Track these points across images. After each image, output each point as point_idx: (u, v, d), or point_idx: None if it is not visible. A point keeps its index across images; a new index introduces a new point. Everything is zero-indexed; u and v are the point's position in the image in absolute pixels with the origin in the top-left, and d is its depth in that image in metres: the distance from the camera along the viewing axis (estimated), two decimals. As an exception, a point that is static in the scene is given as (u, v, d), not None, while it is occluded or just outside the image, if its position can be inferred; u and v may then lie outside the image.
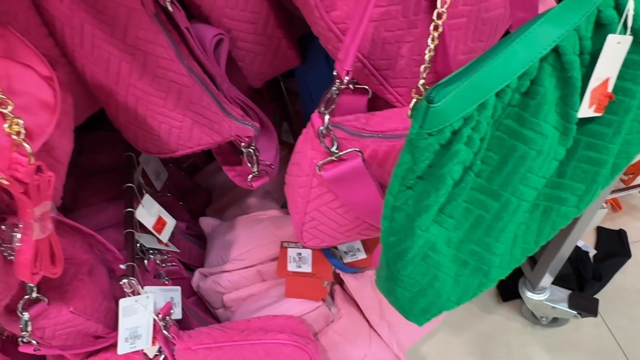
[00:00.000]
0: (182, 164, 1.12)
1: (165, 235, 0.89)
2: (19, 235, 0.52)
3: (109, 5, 0.56)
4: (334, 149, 0.55)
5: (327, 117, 0.53)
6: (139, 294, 0.73)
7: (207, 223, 1.01)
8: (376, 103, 0.63)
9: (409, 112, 0.47)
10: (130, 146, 0.92)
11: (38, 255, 0.48)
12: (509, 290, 1.54)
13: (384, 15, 0.53)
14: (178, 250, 0.91)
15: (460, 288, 0.53)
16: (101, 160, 1.02)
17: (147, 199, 0.87)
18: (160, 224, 0.89)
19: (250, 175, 0.72)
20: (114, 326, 0.75)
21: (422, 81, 0.46)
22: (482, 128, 0.46)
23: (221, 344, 0.75)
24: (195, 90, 0.62)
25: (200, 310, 0.94)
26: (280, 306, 0.83)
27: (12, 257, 0.54)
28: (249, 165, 0.71)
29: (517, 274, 1.49)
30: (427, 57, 0.45)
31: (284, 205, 1.05)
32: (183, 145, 0.70)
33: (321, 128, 0.54)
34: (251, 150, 0.69)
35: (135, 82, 0.62)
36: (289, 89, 1.00)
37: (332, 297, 0.85)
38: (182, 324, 0.83)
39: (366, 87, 0.60)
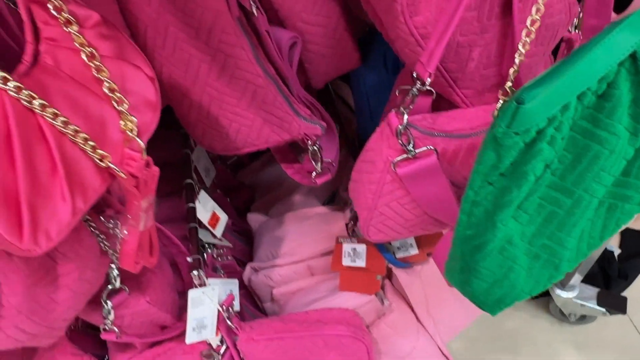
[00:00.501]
0: (227, 161, 1.15)
1: (219, 231, 0.92)
2: (117, 228, 0.55)
3: (195, 9, 0.59)
4: (410, 147, 0.58)
5: (406, 116, 0.56)
6: (204, 285, 0.76)
7: (254, 219, 1.04)
8: (439, 104, 0.66)
9: (495, 112, 0.50)
10: (180, 143, 0.96)
11: (140, 245, 0.51)
12: (536, 288, 1.55)
13: (461, 21, 0.56)
14: (231, 245, 0.94)
15: (532, 280, 0.56)
16: (153, 156, 1.05)
17: (202, 195, 0.90)
18: (214, 219, 0.92)
19: (314, 173, 0.74)
20: (178, 317, 0.78)
21: (509, 83, 0.49)
22: (563, 128, 0.49)
23: (282, 335, 0.78)
24: (269, 91, 0.65)
25: (250, 304, 0.97)
26: (333, 300, 0.86)
27: (107, 249, 0.57)
28: (313, 162, 0.74)
29: (547, 272, 1.50)
30: (517, 60, 0.48)
31: (325, 203, 1.08)
32: (250, 143, 0.73)
33: (400, 127, 0.57)
34: (316, 149, 0.72)
35: (213, 82, 0.65)
36: (336, 93, 1.03)
37: (383, 291, 0.88)
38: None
39: (431, 88, 0.63)
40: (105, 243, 0.56)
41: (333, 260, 0.86)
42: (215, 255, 0.90)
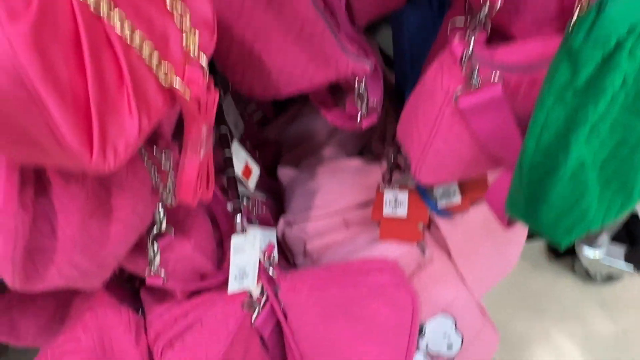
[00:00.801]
0: (252, 116, 1.12)
1: (252, 183, 0.89)
2: (170, 161, 0.52)
3: None
4: (474, 77, 0.55)
5: (472, 43, 0.53)
6: (246, 232, 0.74)
7: (285, 173, 1.01)
8: (490, 41, 0.63)
9: (570, 25, 0.47)
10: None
11: (199, 175, 0.48)
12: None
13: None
14: (264, 199, 0.91)
15: (604, 207, 0.54)
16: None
17: (235, 145, 0.87)
18: (247, 171, 0.89)
19: (359, 115, 0.72)
20: (217, 267, 0.76)
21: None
22: (642, 41, 0.46)
23: (325, 284, 0.76)
24: (317, 26, 0.62)
25: (282, 260, 0.95)
26: (371, 251, 0.84)
27: (158, 184, 0.55)
28: (358, 104, 0.71)
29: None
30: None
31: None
32: (294, 83, 0.70)
33: (465, 53, 0.54)
34: (363, 88, 0.69)
35: (259, 16, 0.62)
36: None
37: (424, 241, 0.86)
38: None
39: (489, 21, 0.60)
40: (157, 177, 0.53)
41: (373, 209, 0.84)
42: (250, 207, 0.87)
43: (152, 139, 0.52)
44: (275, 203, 1.06)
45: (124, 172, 0.49)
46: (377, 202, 0.83)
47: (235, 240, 0.72)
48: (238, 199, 0.74)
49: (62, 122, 0.34)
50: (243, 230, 0.73)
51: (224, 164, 0.80)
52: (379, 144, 0.98)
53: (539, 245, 1.49)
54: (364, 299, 0.76)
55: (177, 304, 0.74)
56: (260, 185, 1.07)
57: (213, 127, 0.49)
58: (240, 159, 0.88)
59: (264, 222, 0.90)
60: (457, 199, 0.80)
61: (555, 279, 1.49)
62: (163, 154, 0.52)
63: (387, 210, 0.82)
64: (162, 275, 0.63)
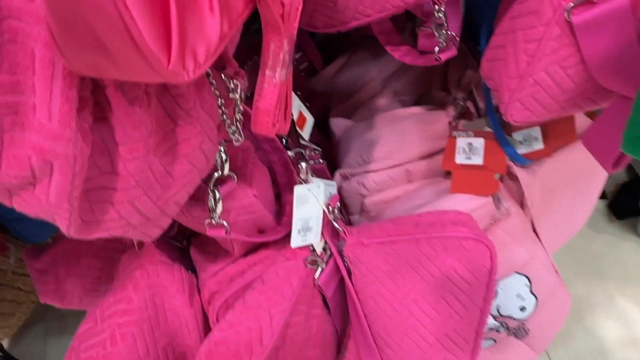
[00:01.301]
0: (299, 65, 1.04)
1: (306, 132, 0.82)
2: (238, 91, 0.45)
3: None
4: (592, -14, 0.46)
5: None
6: (309, 182, 0.67)
7: (339, 124, 0.93)
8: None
9: None
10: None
11: (279, 101, 0.41)
12: (622, 208, 1.45)
13: None
14: (320, 149, 0.84)
15: None
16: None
17: (289, 91, 0.80)
18: (301, 119, 0.82)
19: (437, 47, 0.63)
20: (276, 222, 0.70)
21: None
22: None
23: (395, 238, 0.69)
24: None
25: (339, 215, 0.88)
26: (440, 204, 0.76)
27: (224, 118, 0.48)
28: (436, 34, 0.62)
29: (633, 191, 1.40)
30: None
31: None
32: (362, 12, 0.62)
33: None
34: (442, 16, 0.60)
35: None
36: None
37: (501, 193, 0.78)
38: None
39: None
40: (224, 110, 0.46)
41: (445, 157, 0.76)
42: (307, 158, 0.80)
43: (218, 64, 0.45)
44: (324, 159, 0.99)
45: (192, 98, 0.42)
46: (448, 150, 0.76)
47: (299, 191, 0.65)
48: (300, 147, 0.67)
49: (139, 17, 0.27)
50: (306, 180, 0.66)
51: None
52: (441, 92, 0.90)
53: (600, 206, 1.40)
54: (438, 253, 0.68)
55: (232, 263, 0.68)
56: (311, 138, 1.00)
57: (294, 44, 0.41)
58: (295, 106, 0.81)
59: (321, 175, 0.83)
60: (539, 144, 0.72)
61: (618, 242, 1.40)
62: (232, 82, 0.45)
63: (459, 159, 0.74)
64: (226, 224, 0.56)
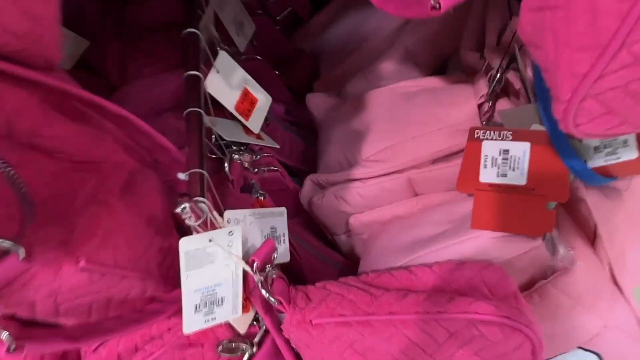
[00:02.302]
0: (275, 15, 0.73)
1: (255, 122, 0.54)
2: None
3: None
4: None
5: None
6: (214, 226, 0.39)
7: (317, 102, 0.64)
8: None
9: None
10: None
11: None
12: None
13: None
14: (277, 146, 0.55)
15: None
16: (154, 11, 0.67)
17: (223, 59, 0.51)
18: (247, 102, 0.53)
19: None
20: (176, 280, 0.43)
21: None
22: None
23: (369, 317, 0.40)
24: None
25: (311, 237, 0.60)
26: (458, 242, 0.46)
27: None
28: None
29: None
30: None
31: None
32: None
33: None
34: None
35: None
36: None
37: (558, 230, 0.47)
38: (287, 266, 0.49)
39: None
40: None
41: (462, 171, 0.46)
42: (247, 165, 0.52)
43: None
44: (311, 147, 0.70)
45: None
46: (467, 158, 0.45)
47: (187, 246, 0.37)
48: (201, 165, 0.39)
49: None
50: (206, 226, 0.38)
51: (185, 87, 0.45)
52: (473, 53, 0.57)
53: None
54: (441, 344, 0.40)
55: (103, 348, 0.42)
56: (289, 118, 0.72)
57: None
58: (235, 82, 0.52)
59: (274, 187, 0.55)
60: (631, 153, 0.41)
61: None
62: None
63: (487, 175, 0.44)
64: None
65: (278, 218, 0.47)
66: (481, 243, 0.45)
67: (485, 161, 0.44)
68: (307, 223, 0.64)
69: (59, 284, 0.32)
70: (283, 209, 0.47)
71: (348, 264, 0.63)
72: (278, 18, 0.74)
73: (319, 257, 0.59)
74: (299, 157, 0.66)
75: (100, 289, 0.35)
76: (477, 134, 0.44)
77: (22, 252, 0.29)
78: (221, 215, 0.41)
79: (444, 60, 0.67)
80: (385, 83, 0.64)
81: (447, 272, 0.43)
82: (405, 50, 0.66)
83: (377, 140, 0.55)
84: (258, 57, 0.63)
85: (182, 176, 0.39)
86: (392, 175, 0.54)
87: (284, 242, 0.47)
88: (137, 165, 0.43)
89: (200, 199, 0.37)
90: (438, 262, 0.45)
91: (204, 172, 0.39)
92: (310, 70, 0.75)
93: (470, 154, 0.45)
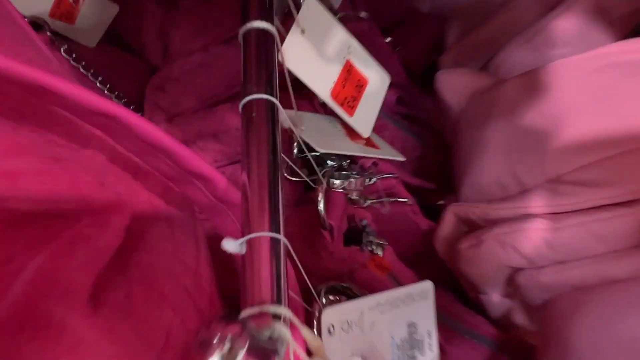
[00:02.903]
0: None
1: (365, 118, 0.31)
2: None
3: None
4: None
5: None
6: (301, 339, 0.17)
7: (455, 83, 0.40)
8: None
9: None
10: None
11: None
12: None
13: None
14: (402, 158, 0.33)
15: None
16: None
17: (311, 9, 0.29)
18: (351, 84, 0.31)
19: None
20: None
21: None
22: None
23: None
24: None
25: (456, 304, 0.37)
26: None
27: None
28: None
29: None
30: None
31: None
32: None
33: None
34: None
35: None
36: None
37: None
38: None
39: None
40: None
41: None
42: (357, 195, 0.30)
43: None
44: (428, 147, 0.47)
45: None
46: None
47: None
48: (270, 198, 0.17)
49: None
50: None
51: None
52: None
53: None
54: None
55: None
56: (398, 110, 0.48)
57: None
58: (331, 48, 0.30)
59: (387, 229, 0.32)
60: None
61: None
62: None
63: None
64: None
65: (420, 304, 0.24)
66: None
67: None
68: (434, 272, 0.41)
69: None
70: (428, 287, 0.25)
71: (501, 337, 0.40)
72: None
73: (467, 334, 0.36)
74: (421, 171, 0.43)
75: None
76: None
77: None
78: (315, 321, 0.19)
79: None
80: (565, 50, 0.40)
81: None
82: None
83: (580, 146, 0.31)
84: (363, 13, 0.40)
85: (230, 247, 0.17)
86: (612, 210, 0.30)
87: (432, 350, 0.24)
88: (149, 209, 0.21)
89: (278, 326, 0.15)
90: None
91: (281, 237, 0.17)
92: (431, 38, 0.51)
93: None
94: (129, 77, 0.49)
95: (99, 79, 0.44)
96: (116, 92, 0.45)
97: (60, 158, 0.19)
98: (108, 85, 0.44)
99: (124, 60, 0.50)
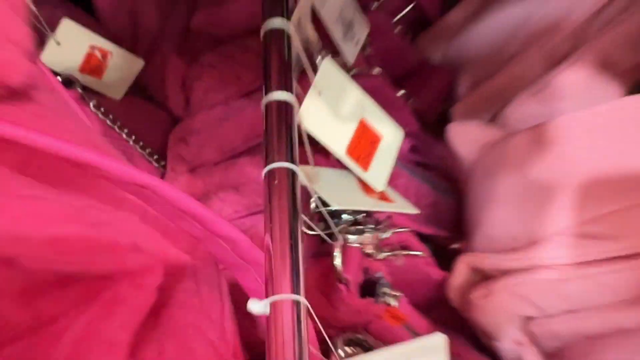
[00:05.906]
0: (394, 13, 0.52)
1: (379, 173, 0.33)
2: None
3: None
4: None
5: None
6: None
7: (466, 135, 0.42)
8: None
9: None
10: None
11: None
12: None
13: None
14: (417, 211, 0.34)
15: None
16: (233, 15, 0.49)
17: (328, 72, 0.31)
18: (365, 140, 0.33)
19: None
20: None
21: None
22: None
23: None
24: None
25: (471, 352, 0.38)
26: None
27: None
28: None
29: None
30: None
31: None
32: None
33: None
34: None
35: None
36: None
37: None
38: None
39: None
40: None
41: None
42: (372, 249, 0.31)
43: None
44: (440, 194, 0.48)
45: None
46: None
47: None
48: (292, 262, 0.19)
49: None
50: None
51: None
52: None
53: None
54: None
55: None
56: (415, 158, 0.50)
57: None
58: (346, 108, 0.32)
59: (400, 279, 0.33)
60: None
61: None
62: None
63: None
64: None
65: (434, 357, 0.25)
66: None
67: None
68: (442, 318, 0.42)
69: None
70: (441, 339, 0.26)
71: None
72: (398, 17, 0.53)
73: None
74: (435, 218, 0.44)
75: None
76: None
77: None
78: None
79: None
80: (569, 104, 0.42)
81: None
82: (600, 53, 0.42)
83: (589, 199, 0.32)
84: (376, 69, 0.42)
85: (256, 308, 0.19)
86: (620, 262, 0.31)
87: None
88: (177, 265, 0.23)
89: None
90: None
91: (302, 299, 0.19)
92: (443, 88, 0.53)
93: None
94: (153, 127, 0.51)
95: (125, 130, 0.46)
96: (141, 143, 0.47)
97: (98, 222, 0.21)
98: (134, 137, 0.46)
99: (148, 111, 0.52)
